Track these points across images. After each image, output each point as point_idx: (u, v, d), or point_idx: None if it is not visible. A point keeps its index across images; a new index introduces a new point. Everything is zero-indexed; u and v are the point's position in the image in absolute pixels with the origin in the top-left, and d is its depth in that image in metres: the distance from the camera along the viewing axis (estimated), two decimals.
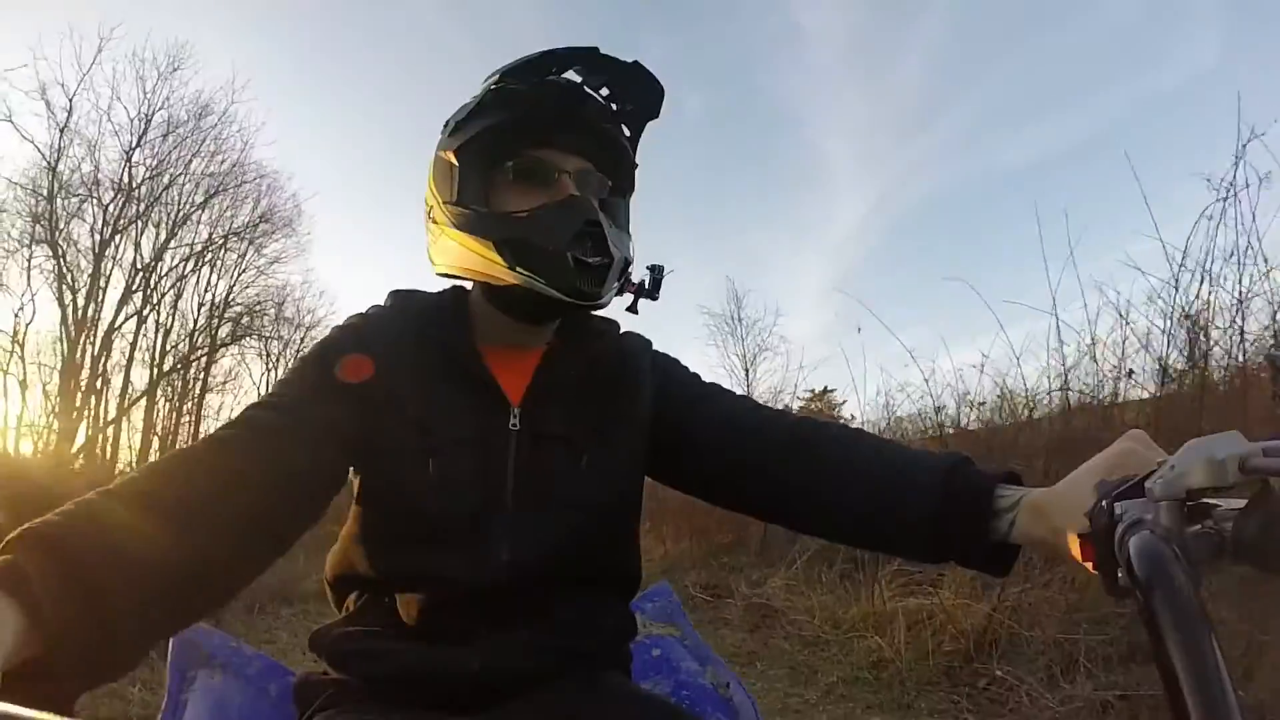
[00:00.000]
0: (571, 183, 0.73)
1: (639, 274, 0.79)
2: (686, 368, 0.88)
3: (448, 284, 0.81)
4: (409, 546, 0.72)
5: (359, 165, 25.35)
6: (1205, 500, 0.41)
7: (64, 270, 11.45)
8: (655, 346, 0.87)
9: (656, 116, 0.77)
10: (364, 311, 0.80)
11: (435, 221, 0.76)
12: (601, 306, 0.73)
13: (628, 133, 0.77)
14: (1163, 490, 0.41)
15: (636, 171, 0.80)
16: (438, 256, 0.77)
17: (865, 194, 20.80)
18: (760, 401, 0.88)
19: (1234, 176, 3.13)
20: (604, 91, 0.74)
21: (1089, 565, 0.47)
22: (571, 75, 0.72)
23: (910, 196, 18.89)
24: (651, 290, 0.79)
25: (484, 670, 0.68)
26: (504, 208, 0.72)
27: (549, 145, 0.73)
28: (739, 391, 0.89)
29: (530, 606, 0.72)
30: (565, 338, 0.80)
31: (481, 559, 0.70)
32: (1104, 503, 0.45)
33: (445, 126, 0.76)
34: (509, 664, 0.69)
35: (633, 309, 0.80)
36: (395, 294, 0.82)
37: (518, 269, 0.69)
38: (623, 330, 0.87)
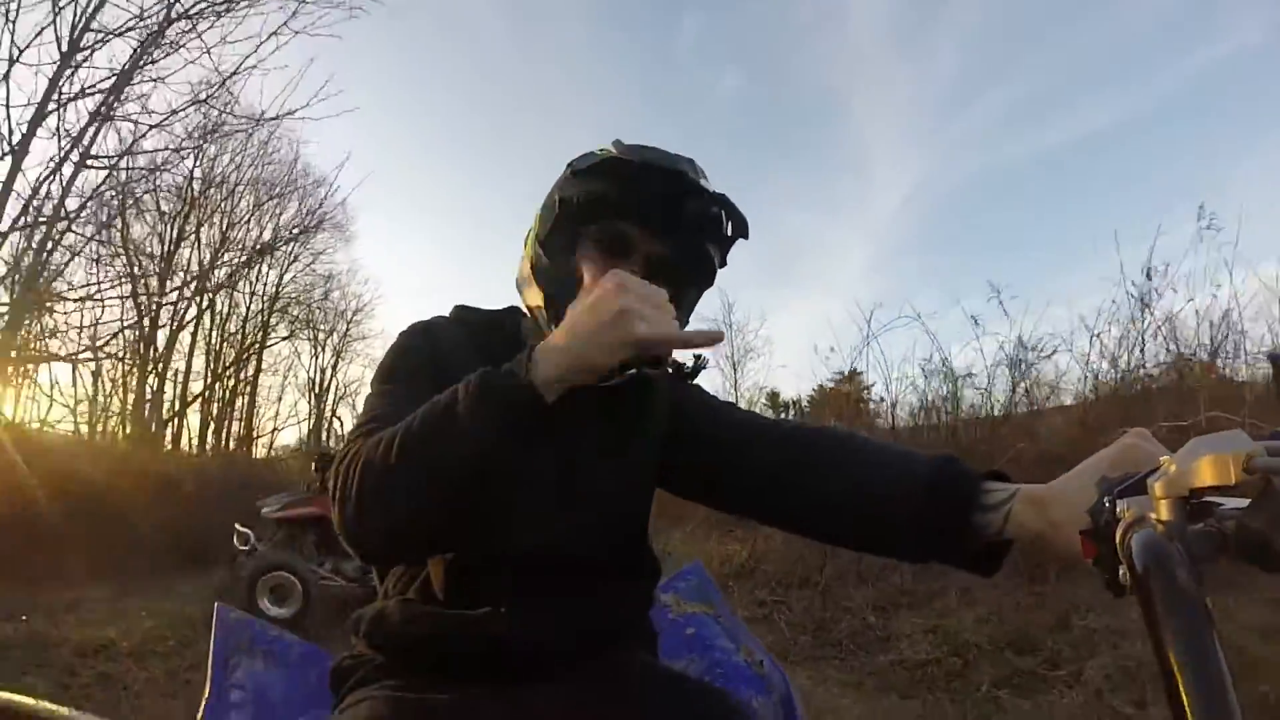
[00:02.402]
0: (640, 265, 0.76)
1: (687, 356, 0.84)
2: (705, 390, 0.93)
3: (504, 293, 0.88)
4: None
5: (400, 145, 25.71)
6: (1208, 498, 0.40)
7: (135, 275, 12.03)
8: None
9: (747, 238, 0.80)
10: (427, 320, 0.86)
11: (525, 245, 0.83)
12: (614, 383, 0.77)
13: (727, 231, 0.79)
14: (1165, 488, 0.40)
15: (718, 272, 0.83)
16: (517, 273, 0.84)
17: (906, 175, 20.29)
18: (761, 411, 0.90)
19: None
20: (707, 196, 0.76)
21: (1090, 561, 0.46)
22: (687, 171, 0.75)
23: (952, 177, 18.35)
24: (691, 375, 0.84)
25: (509, 636, 0.72)
26: (581, 265, 0.77)
27: (641, 222, 0.77)
28: (728, 388, 0.92)
29: (554, 583, 0.76)
30: None
31: (509, 538, 0.74)
32: (1106, 500, 0.44)
33: (568, 166, 0.80)
34: (533, 631, 0.73)
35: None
36: (458, 308, 0.90)
37: (551, 327, 0.76)
38: None
